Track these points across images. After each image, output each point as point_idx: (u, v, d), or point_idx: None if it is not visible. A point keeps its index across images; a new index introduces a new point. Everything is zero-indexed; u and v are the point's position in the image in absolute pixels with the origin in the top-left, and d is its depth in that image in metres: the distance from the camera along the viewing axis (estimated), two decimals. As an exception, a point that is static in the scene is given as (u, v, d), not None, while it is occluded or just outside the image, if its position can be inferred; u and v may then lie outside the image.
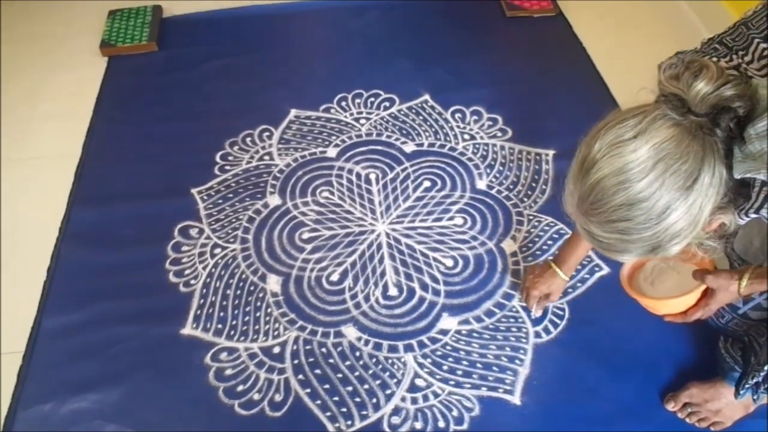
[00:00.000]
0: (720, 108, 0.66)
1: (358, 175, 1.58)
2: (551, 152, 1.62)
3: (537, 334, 1.28)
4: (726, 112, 0.66)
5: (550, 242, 1.43)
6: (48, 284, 1.39)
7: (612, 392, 1.19)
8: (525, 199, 1.52)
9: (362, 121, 1.72)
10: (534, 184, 1.55)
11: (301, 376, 1.23)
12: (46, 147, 1.70)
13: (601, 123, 0.71)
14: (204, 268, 1.40)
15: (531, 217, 1.48)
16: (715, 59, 0.79)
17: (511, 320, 1.30)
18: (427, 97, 1.78)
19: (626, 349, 1.24)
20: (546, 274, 1.26)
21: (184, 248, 1.44)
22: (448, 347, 1.26)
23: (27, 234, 1.49)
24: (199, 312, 1.33)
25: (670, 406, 1.15)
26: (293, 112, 1.74)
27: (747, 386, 0.99)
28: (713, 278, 0.88)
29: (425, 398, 1.20)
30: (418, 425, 1.16)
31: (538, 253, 1.41)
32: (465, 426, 1.16)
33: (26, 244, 1.47)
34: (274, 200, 1.53)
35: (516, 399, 1.19)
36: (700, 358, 1.21)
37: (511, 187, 1.55)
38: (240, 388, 1.21)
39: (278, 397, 1.20)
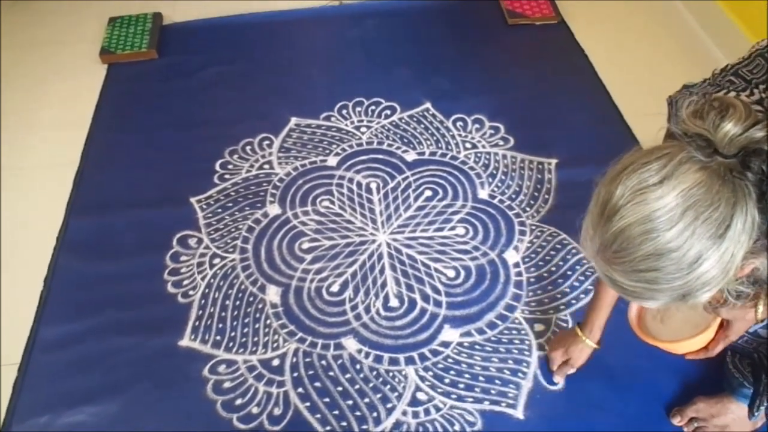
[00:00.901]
0: (750, 150, 0.62)
1: (359, 184, 1.57)
2: (554, 161, 1.60)
3: (540, 347, 1.26)
4: (757, 155, 0.62)
5: (552, 252, 1.41)
6: (45, 294, 1.37)
7: (617, 407, 1.17)
8: (527, 209, 1.50)
9: (363, 129, 1.70)
10: (536, 194, 1.53)
11: (300, 389, 1.21)
12: (44, 155, 1.69)
13: (621, 164, 0.66)
14: (203, 279, 1.38)
15: (533, 227, 1.47)
16: (733, 94, 0.76)
17: (514, 332, 1.28)
18: (428, 105, 1.76)
19: (631, 362, 1.22)
20: (567, 335, 1.20)
21: (183, 258, 1.42)
22: (450, 360, 1.25)
23: (25, 243, 1.48)
24: (197, 323, 1.31)
25: (676, 421, 1.13)
26: (293, 120, 1.73)
27: (763, 406, 0.97)
28: (727, 310, 0.84)
29: (427, 412, 1.18)
30: (420, 440, 1.14)
31: (540, 263, 1.40)
32: (467, 441, 1.14)
33: (24, 253, 1.46)
34: (273, 209, 1.52)
35: (519, 413, 1.17)
36: (707, 373, 1.20)
37: (514, 196, 1.53)
38: (239, 401, 1.20)
39: (277, 411, 1.18)
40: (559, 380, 1.21)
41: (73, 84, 1.89)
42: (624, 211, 0.63)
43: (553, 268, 1.38)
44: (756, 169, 0.62)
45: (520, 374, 1.22)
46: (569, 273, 1.37)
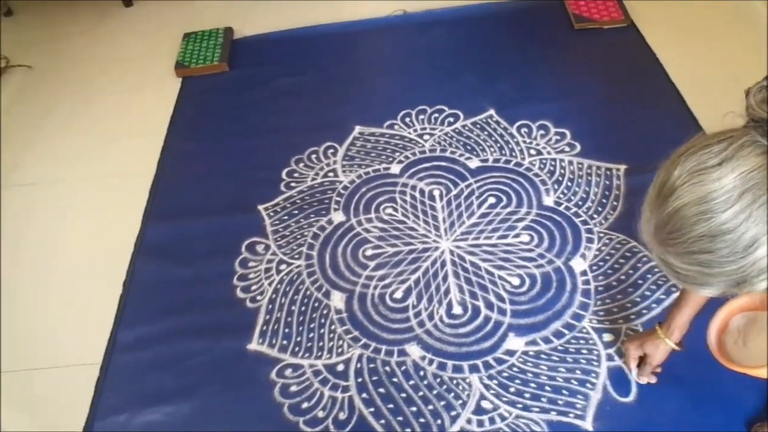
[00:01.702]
0: None
1: (422, 192, 1.57)
2: (623, 167, 1.56)
3: (609, 357, 1.22)
4: None
5: (622, 260, 1.37)
6: (124, 298, 1.44)
7: (694, 420, 1.12)
8: (595, 216, 1.47)
9: (426, 137, 1.71)
10: (604, 200, 1.49)
11: (364, 395, 1.22)
12: (123, 164, 1.78)
13: (683, 147, 0.67)
14: (270, 284, 1.42)
15: (602, 235, 1.43)
16: None
17: (582, 342, 1.25)
18: (492, 112, 1.75)
19: (709, 374, 1.16)
20: (645, 333, 1.16)
21: (251, 264, 1.47)
22: (515, 369, 1.23)
23: (104, 249, 1.56)
24: (264, 328, 1.35)
25: (758, 439, 1.08)
26: (357, 128, 1.76)
27: None
28: None
29: (492, 421, 1.16)
30: (484, 449, 1.13)
31: (609, 272, 1.36)
32: (533, 452, 1.12)
33: (103, 258, 1.54)
34: (338, 217, 1.54)
35: (588, 425, 1.14)
36: (791, 388, 1.13)
37: (580, 203, 1.50)
38: (305, 405, 1.22)
39: (342, 416, 1.20)
40: (643, 380, 1.17)
41: (150, 97, 1.99)
42: (680, 191, 0.64)
43: (623, 277, 1.34)
44: None
45: (588, 385, 1.19)
46: (640, 282, 1.33)
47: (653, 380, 1.16)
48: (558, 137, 1.66)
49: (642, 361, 1.16)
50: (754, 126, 0.63)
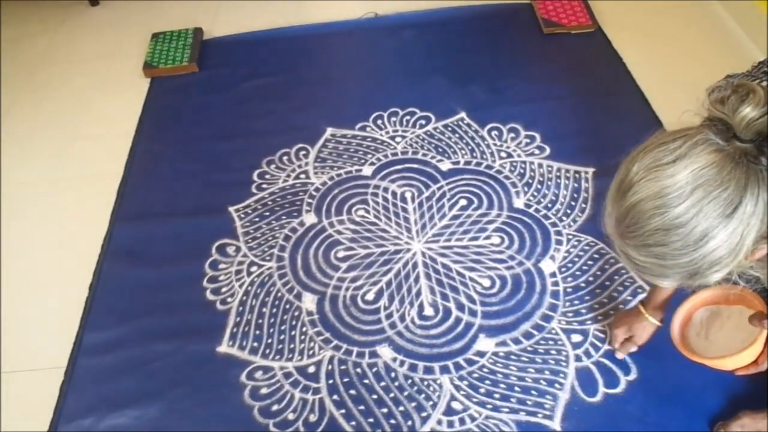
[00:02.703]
0: (766, 135, 0.63)
1: (394, 194, 1.58)
2: (591, 170, 1.59)
3: (578, 358, 1.24)
4: None
5: (590, 262, 1.39)
6: (90, 301, 1.41)
7: (657, 420, 1.14)
8: (564, 218, 1.49)
9: (398, 139, 1.72)
10: (573, 203, 1.52)
11: (335, 397, 1.22)
12: (90, 165, 1.75)
13: (642, 145, 0.70)
14: (240, 286, 1.41)
15: (570, 237, 1.45)
16: (765, 84, 0.76)
17: (551, 342, 1.27)
18: (463, 114, 1.77)
19: (673, 374, 1.19)
20: (631, 314, 1.19)
21: (222, 266, 1.45)
22: (485, 369, 1.24)
23: (70, 251, 1.53)
24: (235, 330, 1.33)
25: (720, 436, 1.10)
26: (329, 130, 1.76)
27: None
28: None
29: (462, 422, 1.17)
30: (455, 449, 1.14)
31: (578, 273, 1.38)
32: (503, 451, 1.13)
33: (70, 261, 1.51)
34: (310, 218, 1.54)
35: (556, 425, 1.15)
36: (753, 386, 1.16)
37: (550, 205, 1.52)
38: (275, 407, 1.21)
39: (313, 418, 1.19)
40: (622, 356, 1.21)
41: (117, 97, 1.96)
42: (638, 186, 0.67)
43: (591, 278, 1.37)
44: None
45: (557, 385, 1.20)
46: (607, 283, 1.35)
47: (634, 348, 1.20)
48: (528, 140, 1.68)
49: (626, 340, 1.20)
50: (709, 125, 0.66)
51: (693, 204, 0.64)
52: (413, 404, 1.20)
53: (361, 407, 1.20)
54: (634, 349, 1.19)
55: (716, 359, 0.97)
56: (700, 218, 0.64)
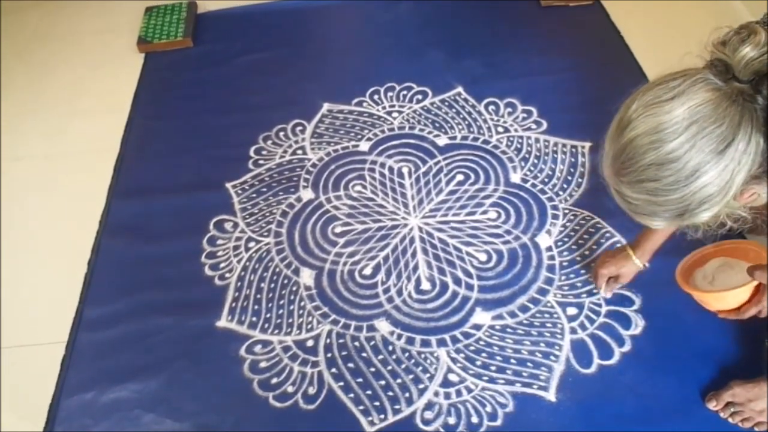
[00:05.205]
0: (763, 75, 0.65)
1: (391, 169, 1.58)
2: (587, 144, 1.59)
3: (573, 330, 1.26)
4: None
5: (586, 236, 1.40)
6: (89, 276, 1.42)
7: (651, 390, 1.16)
8: (560, 193, 1.49)
9: (394, 114, 1.71)
10: (570, 177, 1.52)
11: (334, 370, 1.23)
12: (86, 141, 1.74)
13: (644, 86, 0.72)
14: (238, 262, 1.42)
15: (566, 211, 1.46)
16: None
17: (546, 315, 1.28)
18: (460, 89, 1.76)
19: (666, 345, 1.21)
20: (619, 255, 1.23)
21: (219, 242, 1.46)
22: (482, 342, 1.25)
23: (68, 227, 1.53)
24: (234, 305, 1.34)
25: (712, 405, 1.12)
26: (326, 106, 1.75)
27: None
28: (761, 273, 0.85)
29: (458, 393, 1.19)
30: (451, 420, 1.16)
31: (573, 247, 1.39)
32: (498, 422, 1.15)
33: (68, 236, 1.51)
34: (307, 194, 1.54)
35: (551, 395, 1.17)
36: (744, 356, 1.18)
37: (546, 180, 1.52)
38: (274, 380, 1.23)
39: (312, 390, 1.21)
40: (608, 295, 1.27)
41: (111, 73, 1.94)
42: (636, 122, 0.69)
43: (587, 252, 1.38)
44: (766, 93, 0.65)
45: (552, 357, 1.22)
46: (603, 257, 1.36)
47: (617, 287, 1.26)
48: (525, 115, 1.67)
49: (611, 279, 1.24)
50: (710, 65, 0.68)
51: (687, 139, 0.65)
52: (410, 376, 1.21)
53: (359, 380, 1.22)
54: (617, 287, 1.25)
55: (702, 292, 0.99)
56: (693, 153, 0.65)
